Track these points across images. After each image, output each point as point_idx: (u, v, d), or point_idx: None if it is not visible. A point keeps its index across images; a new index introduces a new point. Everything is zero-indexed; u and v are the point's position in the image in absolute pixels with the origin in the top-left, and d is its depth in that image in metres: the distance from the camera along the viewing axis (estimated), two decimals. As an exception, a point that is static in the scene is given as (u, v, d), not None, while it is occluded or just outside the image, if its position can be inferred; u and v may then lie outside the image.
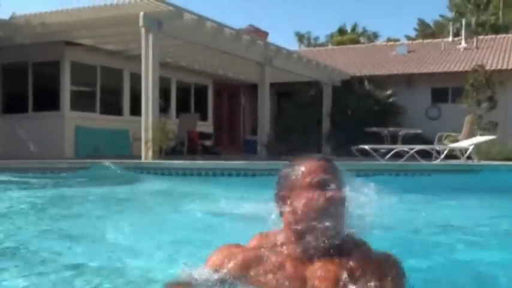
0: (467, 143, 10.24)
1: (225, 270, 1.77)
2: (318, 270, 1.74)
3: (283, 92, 19.04)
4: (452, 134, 12.80)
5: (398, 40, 39.56)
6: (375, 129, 13.90)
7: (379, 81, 17.78)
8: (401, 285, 1.80)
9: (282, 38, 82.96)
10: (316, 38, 41.76)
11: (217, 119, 18.38)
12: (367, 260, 1.77)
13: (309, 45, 39.47)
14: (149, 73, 9.93)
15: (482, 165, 9.19)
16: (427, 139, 14.06)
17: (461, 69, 16.96)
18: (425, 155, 10.84)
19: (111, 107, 14.14)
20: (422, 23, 41.57)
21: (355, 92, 17.13)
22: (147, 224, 4.25)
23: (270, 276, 1.76)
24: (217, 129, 18.22)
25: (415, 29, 42.03)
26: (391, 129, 13.96)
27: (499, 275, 2.38)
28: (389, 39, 40.44)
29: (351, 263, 1.74)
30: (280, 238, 1.83)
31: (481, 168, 8.15)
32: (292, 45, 44.28)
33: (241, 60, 13.84)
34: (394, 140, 13.96)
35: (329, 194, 1.74)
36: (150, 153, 9.41)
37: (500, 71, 16.30)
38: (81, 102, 13.31)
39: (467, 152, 9.90)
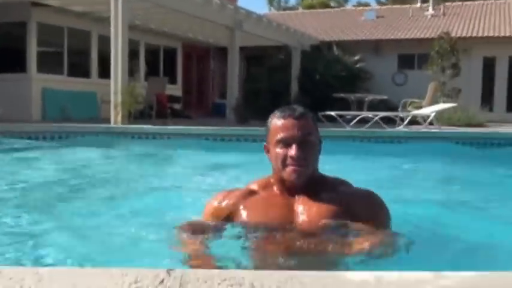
0: (429, 110, 10.59)
1: (224, 205, 2.12)
2: (302, 200, 2.05)
3: (253, 56, 19.08)
4: (416, 100, 13.16)
5: (368, 5, 39.78)
6: (342, 95, 14.15)
7: (348, 46, 17.96)
8: (386, 214, 2.09)
9: (253, 1, 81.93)
10: (287, 1, 41.59)
11: (186, 82, 18.37)
12: (352, 193, 2.10)
13: (279, 8, 39.30)
14: (118, 36, 9.87)
15: (443, 132, 9.56)
16: (393, 105, 14.41)
17: (427, 36, 17.25)
18: (390, 121, 11.17)
19: (79, 70, 14.00)
20: (393, -12, 41.75)
21: (323, 56, 17.29)
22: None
23: (262, 206, 2.08)
24: (187, 93, 18.24)
25: (386, -6, 42.24)
26: (357, 95, 14.25)
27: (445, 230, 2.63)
28: (359, 3, 40.63)
29: (334, 194, 2.05)
30: (271, 180, 2.13)
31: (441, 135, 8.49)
32: (263, 8, 44.03)
33: (211, 24, 13.80)
34: (360, 105, 14.27)
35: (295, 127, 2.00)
36: (120, 117, 9.46)
37: (465, 38, 16.65)
38: (48, 64, 13.14)
39: (429, 119, 10.25)
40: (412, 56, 18.00)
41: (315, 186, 2.06)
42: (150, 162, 6.52)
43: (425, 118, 10.48)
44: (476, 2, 22.02)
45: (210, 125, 10.62)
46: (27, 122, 10.69)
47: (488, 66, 17.24)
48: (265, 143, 2.12)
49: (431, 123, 10.57)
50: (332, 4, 37.74)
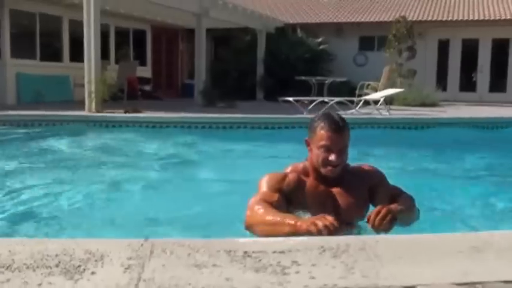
0: (379, 95, 11.50)
1: (285, 188, 2.65)
2: (336, 189, 2.72)
3: (221, 37, 19.67)
4: (372, 83, 14.07)
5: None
6: (303, 77, 14.93)
7: (311, 28, 18.71)
8: (384, 177, 2.88)
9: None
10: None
11: (156, 64, 18.92)
12: (364, 171, 2.86)
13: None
14: (91, 23, 10.37)
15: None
16: (354, 86, 15.25)
17: (386, 19, 18.10)
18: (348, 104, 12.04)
19: (51, 54, 14.49)
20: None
21: (288, 39, 18.00)
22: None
23: (310, 194, 2.68)
24: (156, 74, 18.81)
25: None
26: (318, 78, 15.05)
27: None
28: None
29: (357, 178, 2.78)
30: (306, 166, 2.77)
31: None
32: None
33: (179, 10, 14.35)
34: (321, 87, 15.09)
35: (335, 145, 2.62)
36: (94, 105, 10.11)
37: (420, 22, 17.57)
38: (22, 49, 13.60)
39: (379, 104, 11.17)
40: (372, 38, 18.87)
41: (343, 175, 2.72)
42: (119, 149, 7.19)
43: (376, 102, 11.39)
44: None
45: (178, 108, 11.34)
46: (1, 106, 11.22)
47: (443, 48, 18.23)
48: (307, 138, 2.72)
49: (382, 107, 11.47)
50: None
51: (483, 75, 18.04)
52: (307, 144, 2.73)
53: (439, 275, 1.64)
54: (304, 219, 2.35)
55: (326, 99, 11.20)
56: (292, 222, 2.31)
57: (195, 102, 13.94)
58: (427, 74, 17.39)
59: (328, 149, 2.61)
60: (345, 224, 2.45)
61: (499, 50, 17.88)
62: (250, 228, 2.50)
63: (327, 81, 14.87)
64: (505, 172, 5.70)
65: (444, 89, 17.49)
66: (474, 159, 6.45)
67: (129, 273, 1.56)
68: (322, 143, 2.61)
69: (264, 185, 2.68)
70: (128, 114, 9.65)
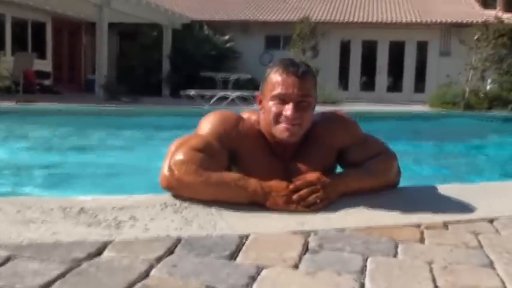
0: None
1: (233, 135, 1.96)
2: (297, 158, 2.04)
3: (127, 32, 19.25)
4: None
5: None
6: (208, 73, 14.93)
7: (218, 26, 18.74)
8: (355, 125, 2.16)
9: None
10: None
11: (56, 58, 18.18)
12: (332, 129, 2.09)
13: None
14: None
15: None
16: (259, 83, 15.41)
17: (291, 19, 18.44)
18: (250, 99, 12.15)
19: None
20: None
21: (194, 36, 17.93)
22: None
23: (258, 158, 2.02)
24: (57, 68, 18.08)
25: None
26: (222, 74, 15.10)
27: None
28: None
29: (316, 141, 2.06)
30: (258, 127, 2.05)
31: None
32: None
33: (79, 0, 13.90)
34: (226, 84, 15.15)
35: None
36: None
37: (324, 22, 18.08)
38: None
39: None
40: (278, 37, 19.19)
41: (306, 139, 2.05)
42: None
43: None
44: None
45: (77, 101, 11.00)
46: None
47: (345, 48, 18.89)
48: (258, 93, 2.05)
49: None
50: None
51: (381, 75, 18.88)
52: (259, 101, 2.06)
53: (274, 225, 1.67)
54: (262, 185, 1.81)
55: (229, 92, 11.24)
56: (247, 186, 1.79)
57: (97, 96, 13.52)
58: (329, 73, 17.92)
59: (282, 99, 1.92)
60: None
61: (396, 52, 18.79)
62: (176, 187, 1.80)
63: (231, 78, 14.95)
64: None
65: (346, 88, 18.11)
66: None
67: None
68: (276, 91, 1.92)
69: (206, 126, 1.97)
70: (18, 105, 9.19)
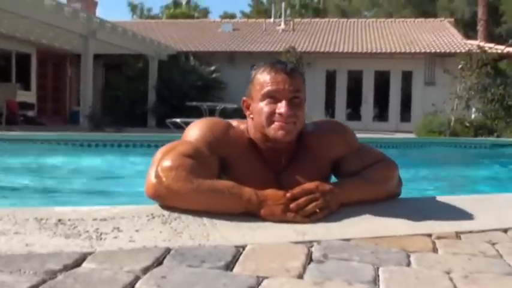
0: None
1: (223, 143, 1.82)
2: (289, 167, 1.91)
3: (112, 64, 19.19)
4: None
5: (234, 15, 41.30)
6: (194, 103, 14.84)
7: (204, 57, 18.76)
8: (352, 135, 2.04)
9: (115, 8, 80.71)
10: (150, 10, 41.81)
11: (41, 89, 18.00)
12: (326, 139, 1.96)
13: (141, 16, 39.37)
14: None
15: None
16: (245, 113, 15.38)
17: (277, 49, 18.52)
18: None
19: None
20: (256, 0, 43.77)
21: (180, 67, 17.90)
22: None
23: (249, 168, 1.86)
24: (42, 100, 17.88)
25: (250, 5, 44.16)
26: (209, 103, 15.01)
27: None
28: (225, 14, 42.02)
29: (310, 153, 1.92)
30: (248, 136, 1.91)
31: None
32: (126, 16, 43.78)
33: (65, 31, 13.81)
34: (212, 113, 15.05)
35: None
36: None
37: (309, 52, 18.17)
38: None
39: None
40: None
41: (299, 147, 1.93)
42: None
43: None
44: (322, 20, 24.08)
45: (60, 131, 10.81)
46: None
47: (330, 78, 18.95)
48: (244, 97, 1.93)
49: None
50: (196, 15, 38.61)
51: (367, 105, 18.92)
52: (247, 106, 1.91)
53: (272, 235, 1.52)
54: (258, 193, 1.65)
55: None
56: (242, 194, 1.63)
57: (81, 127, 13.33)
58: (316, 101, 17.92)
59: (273, 97, 1.79)
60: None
61: (382, 81, 18.88)
62: (164, 196, 1.63)
63: (217, 107, 14.86)
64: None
65: (332, 117, 18.09)
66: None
67: None
68: (266, 89, 1.80)
69: (194, 132, 1.83)
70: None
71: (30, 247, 1.30)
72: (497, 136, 14.35)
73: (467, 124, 15.01)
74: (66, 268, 1.16)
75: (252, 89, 1.88)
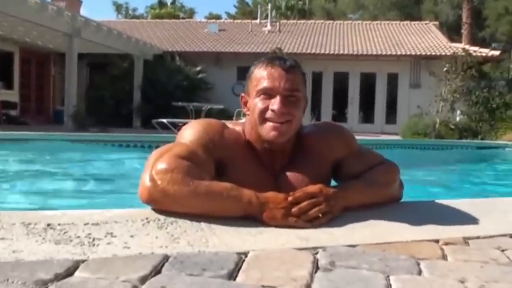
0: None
1: (218, 146, 1.74)
2: (287, 169, 1.82)
3: (97, 63, 18.98)
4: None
5: (220, 16, 41.17)
6: (180, 103, 14.72)
7: (190, 57, 18.63)
8: (351, 138, 1.97)
9: (100, 8, 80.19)
10: (135, 9, 41.55)
11: (24, 88, 17.73)
12: (325, 141, 1.88)
13: (127, 16, 39.10)
14: None
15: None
16: (232, 114, 15.26)
17: (263, 50, 18.47)
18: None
19: None
20: (242, 1, 43.66)
21: (166, 66, 17.76)
22: None
23: (247, 172, 1.77)
24: (25, 99, 17.62)
25: (235, 6, 44.04)
26: (195, 104, 14.90)
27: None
28: (210, 15, 41.88)
29: (309, 155, 1.85)
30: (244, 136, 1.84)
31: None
32: (111, 15, 43.45)
33: (49, 30, 13.61)
34: (198, 114, 14.93)
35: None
36: None
37: (295, 54, 18.12)
38: None
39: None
40: (249, 69, 19.11)
41: (297, 148, 1.85)
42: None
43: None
44: (308, 22, 24.07)
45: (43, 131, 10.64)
46: None
47: (316, 80, 18.93)
48: (242, 93, 1.86)
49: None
50: (181, 15, 38.44)
51: (353, 106, 18.94)
52: (244, 103, 1.84)
53: (274, 241, 1.45)
54: (258, 196, 1.57)
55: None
56: (241, 197, 1.55)
57: (65, 127, 13.14)
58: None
59: (268, 94, 1.72)
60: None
61: (367, 83, 18.91)
62: (159, 200, 1.53)
63: (204, 108, 14.76)
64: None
65: (318, 119, 18.06)
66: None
67: None
68: (260, 85, 1.72)
69: (188, 134, 1.74)
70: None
71: (18, 254, 1.21)
72: (482, 138, 14.45)
73: (452, 126, 15.10)
74: (58, 278, 1.08)
75: (249, 84, 1.81)
